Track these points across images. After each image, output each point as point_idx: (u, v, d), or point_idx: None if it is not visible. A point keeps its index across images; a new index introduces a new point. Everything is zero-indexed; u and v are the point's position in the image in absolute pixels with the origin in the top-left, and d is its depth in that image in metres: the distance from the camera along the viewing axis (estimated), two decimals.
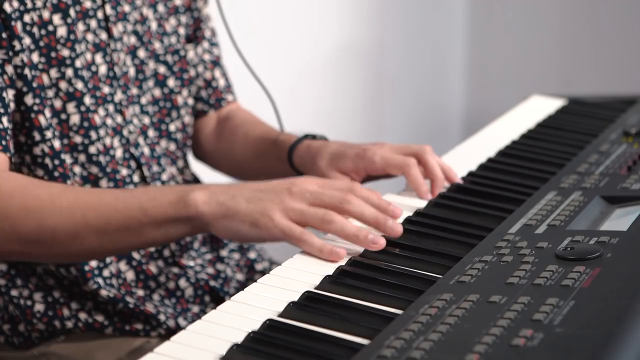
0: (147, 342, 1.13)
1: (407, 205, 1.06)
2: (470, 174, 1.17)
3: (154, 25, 1.21)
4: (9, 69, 1.05)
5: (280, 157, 1.23)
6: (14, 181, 1.01)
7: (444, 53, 2.79)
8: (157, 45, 1.21)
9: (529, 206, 1.02)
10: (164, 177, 1.22)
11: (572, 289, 0.78)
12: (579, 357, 0.67)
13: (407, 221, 1.01)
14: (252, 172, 1.32)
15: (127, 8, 1.16)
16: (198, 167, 1.42)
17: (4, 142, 1.04)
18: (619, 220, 0.97)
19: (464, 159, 1.21)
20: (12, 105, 1.06)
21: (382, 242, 0.93)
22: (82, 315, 1.12)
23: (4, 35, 1.04)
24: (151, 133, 1.21)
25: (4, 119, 1.04)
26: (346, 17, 2.37)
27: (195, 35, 1.29)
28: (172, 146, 1.25)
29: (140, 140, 1.19)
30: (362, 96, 2.47)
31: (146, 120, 1.20)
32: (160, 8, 1.22)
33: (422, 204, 1.07)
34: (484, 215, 1.03)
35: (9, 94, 1.05)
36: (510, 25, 2.74)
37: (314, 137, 1.22)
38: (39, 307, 1.12)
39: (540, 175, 1.14)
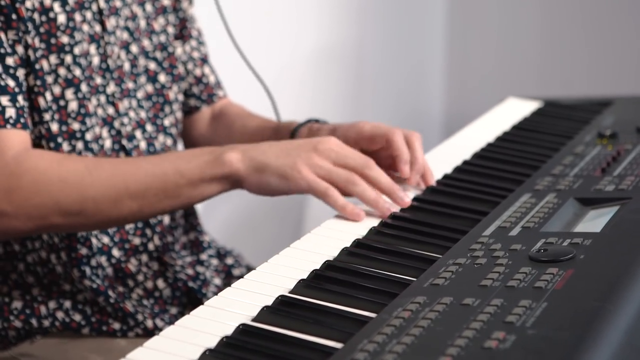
0: (123, 342, 1.13)
1: None
2: (446, 176, 1.17)
3: (142, 24, 1.23)
4: (20, 49, 1.07)
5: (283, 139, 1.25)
6: (47, 156, 1.05)
7: (423, 57, 2.79)
8: (146, 42, 1.23)
9: (503, 208, 1.02)
10: None
11: (544, 291, 0.79)
12: (551, 359, 0.67)
13: (382, 224, 1.01)
14: None
15: (118, 3, 1.18)
16: None
17: (22, 120, 1.06)
18: (593, 222, 0.98)
19: (440, 161, 1.21)
20: (24, 85, 1.08)
21: (390, 211, 1.02)
22: (60, 315, 1.12)
23: (13, 16, 1.06)
24: (149, 128, 1.23)
25: (20, 97, 1.06)
26: (325, 20, 2.37)
27: (182, 34, 1.31)
28: (169, 141, 1.26)
29: (137, 133, 1.20)
30: (341, 99, 2.47)
31: (142, 114, 1.22)
32: (148, 7, 1.24)
33: (396, 206, 1.07)
34: (458, 217, 1.03)
35: (21, 74, 1.07)
36: (489, 30, 2.75)
37: (317, 121, 1.25)
38: (17, 304, 1.12)
39: (515, 178, 1.15)
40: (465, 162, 1.22)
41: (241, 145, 1.05)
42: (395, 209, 1.03)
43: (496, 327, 0.73)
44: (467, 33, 2.79)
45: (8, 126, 1.04)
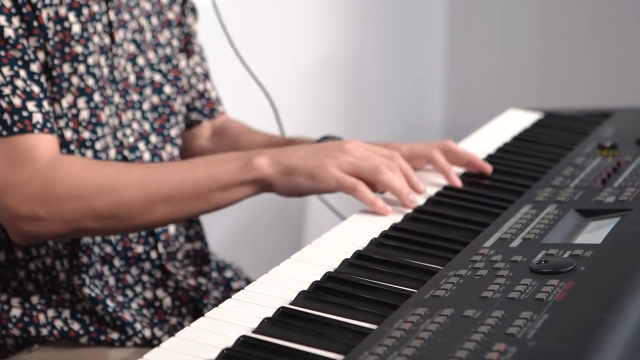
0: (121, 353, 1.13)
1: (384, 217, 1.06)
2: (447, 187, 1.17)
3: (148, 36, 1.24)
4: (41, 55, 1.09)
5: None
6: (80, 162, 1.07)
7: (423, 68, 2.80)
8: (151, 55, 1.25)
9: (504, 220, 1.02)
10: None
11: (545, 303, 0.78)
12: None
13: (384, 235, 1.01)
14: None
15: (126, 16, 1.20)
16: None
17: (49, 125, 1.08)
18: (593, 233, 0.98)
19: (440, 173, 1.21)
20: (48, 90, 1.10)
21: (416, 204, 1.09)
22: (58, 323, 1.12)
23: (35, 23, 1.08)
24: (153, 139, 1.24)
25: (45, 103, 1.08)
26: (326, 31, 2.37)
27: (186, 49, 1.33)
28: (176, 151, 1.28)
29: (141, 145, 1.21)
30: (342, 110, 2.47)
31: (146, 126, 1.23)
32: (154, 20, 1.26)
33: (398, 217, 1.07)
34: (459, 228, 1.03)
35: (44, 80, 1.09)
36: (489, 41, 2.76)
37: (333, 138, 1.27)
38: (16, 312, 1.12)
39: (515, 189, 1.15)
40: (466, 174, 1.22)
41: (268, 150, 1.09)
42: (417, 202, 1.09)
43: (497, 339, 0.73)
44: (467, 45, 2.79)
45: (36, 131, 1.06)
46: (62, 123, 1.11)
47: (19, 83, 1.06)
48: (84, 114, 1.13)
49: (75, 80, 1.12)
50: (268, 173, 1.07)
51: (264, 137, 1.35)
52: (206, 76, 1.36)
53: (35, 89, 1.07)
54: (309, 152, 1.08)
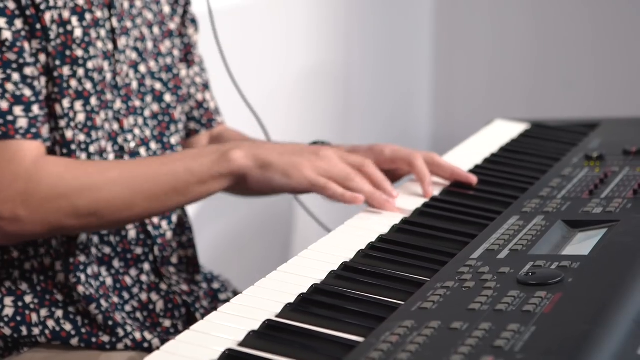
0: (111, 357, 1.12)
1: (370, 229, 1.06)
2: (434, 198, 1.17)
3: (149, 45, 1.26)
4: (42, 57, 1.10)
5: None
6: (60, 162, 1.09)
7: (410, 79, 2.80)
8: (152, 64, 1.26)
9: (491, 231, 1.02)
10: None
11: (533, 315, 0.78)
12: None
13: (370, 247, 1.01)
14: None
15: (129, 24, 1.21)
16: None
17: (34, 130, 1.09)
18: (581, 245, 0.98)
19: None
20: (44, 93, 1.11)
21: (392, 204, 1.11)
22: (50, 323, 1.13)
23: (37, 25, 1.10)
24: (153, 145, 1.24)
25: (35, 107, 1.10)
26: (313, 43, 2.37)
27: (186, 59, 1.35)
28: None
29: (142, 150, 1.22)
30: (329, 122, 2.47)
31: (147, 132, 1.24)
32: (156, 30, 1.27)
33: (384, 229, 1.06)
34: (446, 240, 1.03)
35: (42, 82, 1.11)
36: (476, 52, 2.76)
37: (322, 143, 1.29)
38: (8, 311, 1.13)
39: (502, 200, 1.15)
40: (453, 185, 1.22)
41: (246, 142, 1.12)
42: (393, 202, 1.11)
43: (485, 351, 0.72)
44: (454, 56, 2.80)
45: (18, 136, 1.08)
46: (62, 123, 1.13)
47: (9, 86, 1.08)
48: (80, 117, 1.14)
49: (73, 83, 1.13)
50: (243, 164, 1.09)
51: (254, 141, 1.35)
52: (205, 86, 1.38)
53: (27, 92, 1.09)
54: (286, 151, 1.11)
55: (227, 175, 1.10)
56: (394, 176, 1.23)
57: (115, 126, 1.19)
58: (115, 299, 1.18)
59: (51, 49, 1.11)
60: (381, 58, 2.64)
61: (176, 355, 0.77)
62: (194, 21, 1.35)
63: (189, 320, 1.21)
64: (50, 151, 1.13)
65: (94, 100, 1.15)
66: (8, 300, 1.14)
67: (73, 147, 1.13)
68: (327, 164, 1.10)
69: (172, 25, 1.30)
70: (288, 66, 2.27)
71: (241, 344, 0.79)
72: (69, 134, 1.13)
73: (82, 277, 1.14)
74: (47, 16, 1.11)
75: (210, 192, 1.12)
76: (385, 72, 2.67)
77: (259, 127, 1.40)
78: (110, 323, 1.13)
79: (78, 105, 1.14)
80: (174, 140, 1.28)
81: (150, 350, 1.12)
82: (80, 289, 1.13)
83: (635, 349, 0.76)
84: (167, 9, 1.30)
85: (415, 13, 2.78)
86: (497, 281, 0.87)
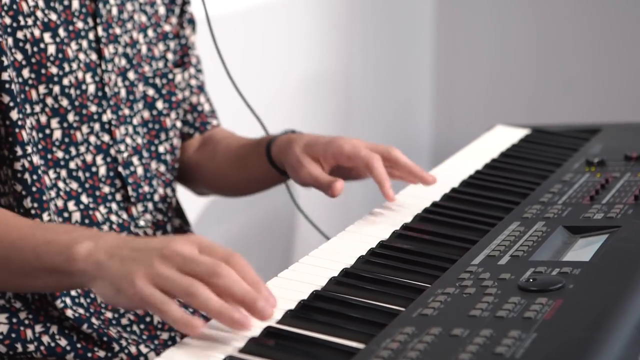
0: None
1: (371, 235, 1.05)
2: (434, 204, 1.17)
3: (144, 49, 1.24)
4: None
5: (260, 154, 1.27)
6: None
7: (411, 85, 2.80)
8: (146, 68, 1.24)
9: (492, 237, 1.02)
10: (156, 197, 1.24)
11: (534, 321, 0.78)
12: None
13: (371, 253, 1.01)
14: (234, 180, 1.36)
15: (118, 31, 1.19)
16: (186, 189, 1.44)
17: None
18: (582, 251, 0.97)
19: (428, 189, 1.21)
20: None
21: (249, 325, 0.82)
22: (45, 339, 1.11)
23: None
24: (145, 154, 1.23)
25: None
26: (314, 49, 2.37)
27: (182, 61, 1.32)
28: (162, 168, 1.27)
29: (135, 160, 1.21)
30: (330, 127, 2.47)
31: (139, 140, 1.22)
32: (150, 33, 1.25)
33: (385, 235, 1.06)
34: (447, 246, 1.02)
35: None
36: (477, 58, 2.76)
37: (293, 131, 1.26)
38: (2, 328, 1.11)
39: (503, 205, 1.14)
40: (454, 190, 1.22)
41: (103, 236, 0.92)
42: (250, 322, 0.82)
43: (486, 358, 0.72)
44: (455, 62, 2.80)
45: None
46: (29, 149, 1.07)
47: None
48: (57, 134, 1.12)
49: (49, 100, 1.11)
50: (82, 269, 0.89)
51: (241, 140, 1.35)
52: (200, 88, 1.36)
53: None
54: (132, 253, 0.87)
55: (69, 274, 0.91)
56: (356, 175, 1.21)
57: (106, 137, 1.17)
58: (109, 314, 1.16)
59: (11, 73, 1.06)
60: (382, 64, 2.64)
61: None
62: (191, 21, 1.33)
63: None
64: (21, 177, 1.08)
65: (71, 117, 1.13)
66: (2, 317, 1.12)
67: (40, 171, 1.08)
68: (169, 271, 0.84)
69: (167, 27, 1.28)
70: (289, 72, 2.27)
71: (242, 350, 0.79)
72: (35, 158, 1.08)
73: (68, 300, 1.11)
74: (20, 35, 1.08)
75: (62, 288, 0.97)
76: (386, 78, 2.67)
77: (262, 132, 1.39)
78: (105, 339, 1.12)
79: (54, 122, 1.11)
80: (162, 148, 1.26)
81: None
82: (69, 312, 1.11)
83: (636, 355, 0.75)
84: (162, 10, 1.28)
85: (415, 19, 2.78)
86: (498, 287, 0.86)
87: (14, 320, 1.12)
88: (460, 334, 0.77)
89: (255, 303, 0.83)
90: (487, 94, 2.76)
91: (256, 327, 0.83)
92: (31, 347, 1.11)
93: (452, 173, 1.29)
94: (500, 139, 1.49)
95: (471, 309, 0.82)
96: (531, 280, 0.87)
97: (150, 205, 1.23)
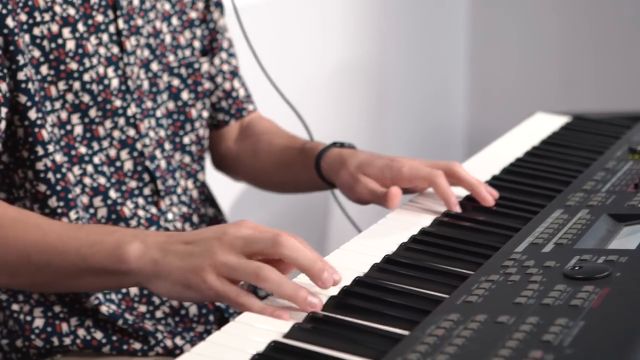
0: None
1: (412, 222, 1.05)
2: None
3: (168, 38, 1.21)
4: (3, 86, 1.04)
5: (307, 165, 1.23)
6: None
7: (446, 72, 2.78)
8: (171, 58, 1.22)
9: (535, 224, 1.01)
10: (179, 190, 1.23)
11: (581, 309, 0.77)
12: None
13: (413, 240, 1.00)
14: (277, 181, 1.34)
15: (139, 22, 1.16)
16: (217, 178, 1.43)
17: None
18: (627, 239, 0.96)
19: None
20: (1, 125, 1.05)
21: (321, 306, 0.83)
22: (81, 332, 1.11)
23: (11, 47, 1.04)
24: (167, 146, 1.21)
25: None
26: (348, 37, 2.36)
27: (211, 47, 1.29)
28: (187, 159, 1.25)
29: (157, 153, 1.19)
30: (365, 115, 2.46)
31: (162, 133, 1.20)
32: (175, 21, 1.23)
33: (428, 220, 1.05)
34: (489, 233, 1.02)
35: (1, 112, 1.04)
36: (511, 44, 2.74)
37: (342, 144, 1.22)
38: (39, 322, 1.11)
39: (546, 193, 1.13)
40: (495, 178, 1.21)
41: (148, 235, 0.90)
42: (321, 303, 0.84)
43: (533, 345, 0.71)
44: (489, 48, 2.77)
45: None
46: (51, 148, 1.06)
47: None
48: (78, 130, 1.11)
49: (69, 97, 1.09)
50: (138, 268, 0.88)
51: (284, 139, 1.32)
52: (233, 74, 1.32)
53: None
54: (188, 248, 0.87)
55: (121, 275, 0.90)
56: (414, 191, 1.16)
57: (131, 132, 1.15)
58: (142, 308, 1.15)
59: (28, 72, 1.04)
60: (416, 51, 2.63)
61: (207, 357, 0.77)
62: (218, 4, 1.29)
63: (223, 324, 1.18)
64: (44, 177, 1.07)
65: (93, 112, 1.11)
66: (37, 311, 1.12)
67: (64, 169, 1.07)
68: (232, 258, 0.84)
69: (194, 14, 1.25)
70: (323, 61, 2.27)
71: (286, 336, 0.79)
72: (58, 157, 1.07)
73: (101, 296, 1.11)
74: (37, 31, 1.06)
75: (109, 288, 0.95)
76: (420, 65, 2.66)
77: (297, 120, 1.38)
78: (140, 333, 1.11)
79: (75, 118, 1.10)
80: (187, 139, 1.24)
81: None
82: (103, 308, 1.10)
83: None
84: None
85: (450, 6, 2.76)
86: (543, 275, 0.85)
87: (49, 314, 1.12)
88: (506, 321, 0.76)
89: (322, 272, 0.84)
90: (522, 80, 2.74)
91: (300, 314, 0.82)
92: (67, 341, 1.11)
93: (492, 161, 1.28)
94: (540, 126, 1.47)
95: (516, 296, 0.81)
96: (577, 268, 0.86)
97: (174, 198, 1.22)
